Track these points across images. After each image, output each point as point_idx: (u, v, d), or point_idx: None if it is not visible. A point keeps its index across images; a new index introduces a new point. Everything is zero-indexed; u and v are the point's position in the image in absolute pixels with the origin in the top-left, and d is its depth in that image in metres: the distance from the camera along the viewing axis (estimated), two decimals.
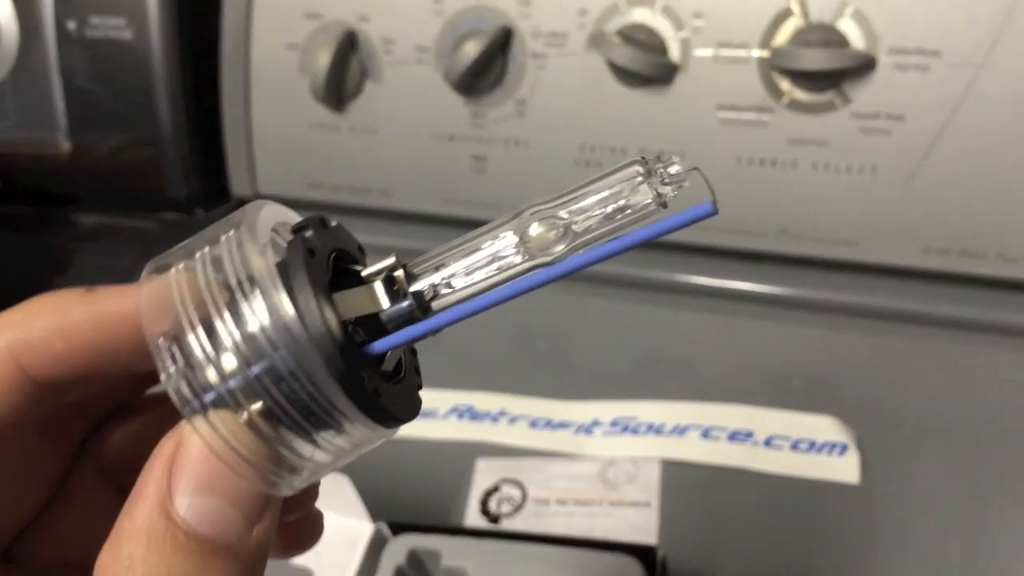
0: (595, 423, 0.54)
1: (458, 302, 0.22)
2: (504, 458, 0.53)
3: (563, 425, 0.54)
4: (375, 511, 0.45)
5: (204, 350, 0.20)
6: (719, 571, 0.46)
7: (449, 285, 0.22)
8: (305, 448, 0.20)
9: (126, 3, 0.66)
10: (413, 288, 0.22)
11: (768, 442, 0.51)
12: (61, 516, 0.25)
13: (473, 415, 0.55)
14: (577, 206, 0.21)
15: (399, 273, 0.22)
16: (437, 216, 0.65)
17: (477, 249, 0.22)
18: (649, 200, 0.21)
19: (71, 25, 0.68)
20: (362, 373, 0.20)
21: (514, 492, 0.51)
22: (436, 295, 0.22)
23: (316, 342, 0.19)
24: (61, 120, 0.71)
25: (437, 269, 0.22)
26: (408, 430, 0.57)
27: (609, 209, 0.21)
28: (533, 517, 0.50)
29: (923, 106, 0.52)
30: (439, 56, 0.61)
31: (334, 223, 0.23)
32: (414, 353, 0.25)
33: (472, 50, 0.58)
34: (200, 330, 0.20)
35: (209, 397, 0.20)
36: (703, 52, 0.55)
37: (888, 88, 0.52)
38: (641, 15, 0.56)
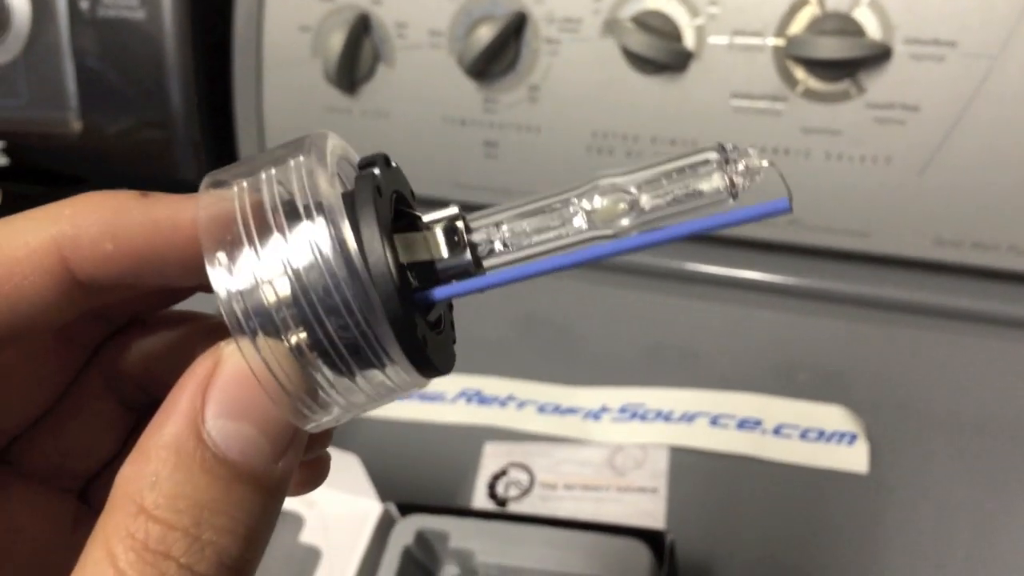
0: (603, 409, 0.54)
1: (514, 262, 0.22)
2: (512, 442, 0.53)
3: (571, 411, 0.54)
4: (384, 492, 0.45)
5: (262, 272, 0.19)
6: (726, 558, 0.46)
7: (507, 245, 0.22)
8: (343, 385, 0.20)
9: None
10: (472, 241, 0.22)
11: (777, 431, 0.51)
12: (62, 422, 0.24)
13: (482, 399, 0.55)
14: (648, 183, 0.21)
15: (460, 224, 0.22)
16: (448, 200, 0.65)
17: (540, 212, 0.22)
18: (722, 188, 0.20)
19: (83, 4, 0.68)
20: (415, 319, 0.20)
21: (522, 476, 0.51)
22: (492, 252, 0.22)
23: (377, 280, 0.19)
24: (72, 100, 0.71)
25: (497, 227, 0.22)
26: (417, 413, 0.57)
27: (680, 192, 0.21)
28: (540, 501, 0.50)
29: (938, 97, 0.52)
30: (452, 40, 0.61)
31: (395, 164, 0.23)
32: (451, 308, 0.24)
33: (486, 35, 0.58)
34: (260, 251, 0.19)
35: (259, 320, 0.19)
36: (718, 40, 0.55)
37: (903, 78, 0.52)
38: (656, 1, 0.56)
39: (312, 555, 0.43)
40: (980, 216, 0.53)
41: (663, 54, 0.55)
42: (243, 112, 0.68)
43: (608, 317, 0.60)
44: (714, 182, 0.20)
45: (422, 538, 0.43)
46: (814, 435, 0.51)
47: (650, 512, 0.49)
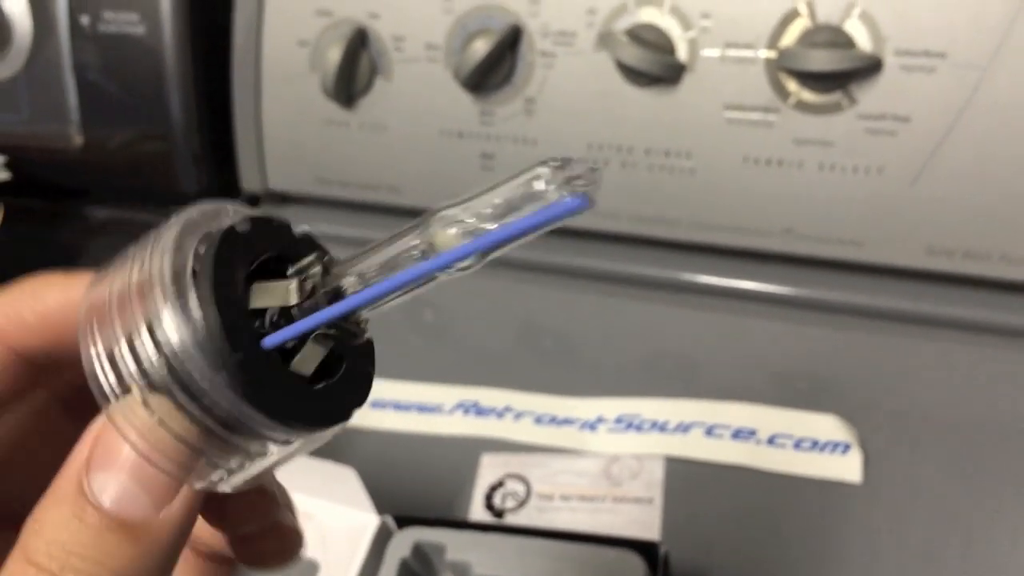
0: (599, 420, 0.54)
1: (354, 294, 0.22)
2: (509, 453, 0.53)
3: (568, 421, 0.54)
4: (380, 504, 0.45)
5: (117, 347, 0.20)
6: (721, 568, 0.47)
7: (360, 282, 0.22)
8: (215, 444, 0.21)
9: None
10: (326, 287, 0.22)
11: (771, 440, 0.51)
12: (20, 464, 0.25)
13: (478, 411, 0.56)
14: (484, 208, 0.21)
15: (316, 270, 0.22)
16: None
17: (386, 249, 0.22)
18: (554, 200, 0.20)
19: (84, 20, 0.68)
20: (261, 374, 0.20)
21: (518, 487, 0.51)
22: (342, 292, 0.22)
23: (204, 344, 0.20)
24: (73, 114, 0.71)
25: (352, 268, 0.22)
26: (414, 424, 0.58)
27: (514, 210, 0.20)
28: (537, 512, 0.50)
29: (929, 107, 0.52)
30: (449, 54, 0.61)
31: (299, 229, 0.23)
32: (368, 350, 0.24)
33: (481, 48, 0.58)
34: (117, 327, 0.20)
35: (118, 390, 0.20)
36: (711, 52, 0.56)
37: (894, 89, 0.53)
38: (649, 15, 0.56)
39: (310, 568, 0.44)
40: (972, 225, 0.54)
41: (656, 67, 0.56)
42: (242, 125, 0.69)
43: (604, 327, 0.61)
44: (549, 196, 0.20)
45: (419, 550, 0.44)
46: (808, 445, 0.51)
47: (646, 522, 0.49)
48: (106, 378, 0.21)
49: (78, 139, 0.72)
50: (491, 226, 0.20)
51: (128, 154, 0.72)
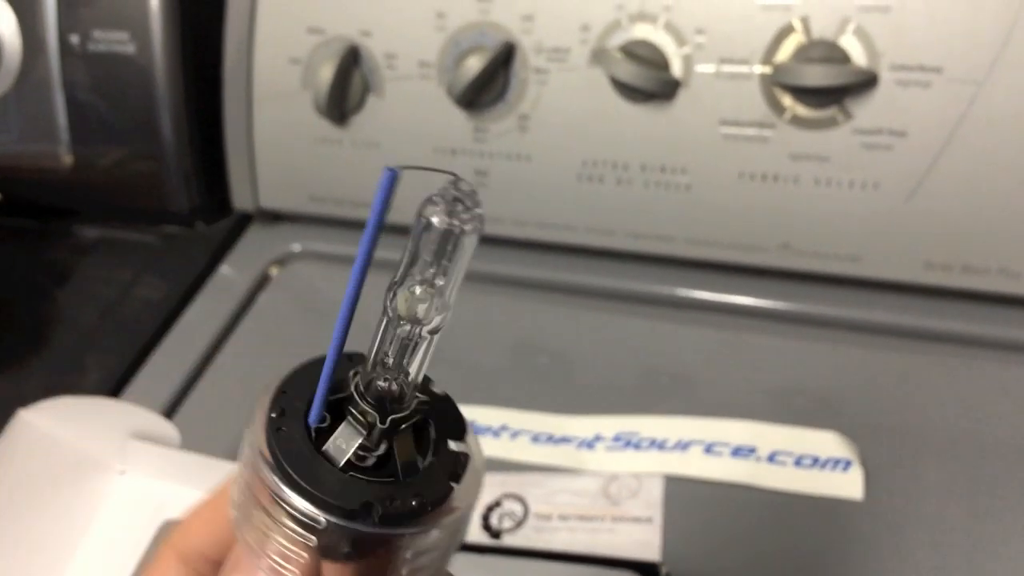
0: (597, 438, 0.54)
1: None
2: (505, 473, 0.53)
3: (565, 440, 0.54)
4: None
5: (266, 540, 0.23)
6: None
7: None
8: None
9: (129, 17, 0.66)
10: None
11: (771, 458, 0.51)
12: None
13: (475, 429, 0.55)
14: (417, 268, 0.23)
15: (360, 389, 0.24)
16: None
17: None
18: (447, 225, 0.22)
19: (74, 39, 0.68)
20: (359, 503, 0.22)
21: (516, 507, 0.51)
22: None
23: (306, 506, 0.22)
24: (63, 134, 0.71)
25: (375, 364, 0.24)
26: None
27: (434, 253, 0.23)
28: (535, 532, 0.49)
29: (925, 122, 0.52)
30: (442, 71, 0.61)
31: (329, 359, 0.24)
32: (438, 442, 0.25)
33: (475, 65, 0.58)
34: (256, 524, 0.23)
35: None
36: (705, 68, 0.55)
37: (890, 104, 0.52)
38: (643, 31, 0.56)
39: None
40: (969, 240, 0.54)
41: (651, 83, 0.55)
42: (234, 144, 0.68)
43: (601, 344, 0.60)
44: (443, 224, 0.22)
45: None
46: (808, 462, 0.50)
47: (645, 542, 0.48)
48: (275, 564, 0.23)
49: (68, 158, 0.71)
50: (430, 272, 0.23)
51: (118, 173, 0.71)
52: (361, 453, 0.23)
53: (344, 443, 0.23)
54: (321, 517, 0.22)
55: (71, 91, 0.69)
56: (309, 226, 0.71)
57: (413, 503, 0.22)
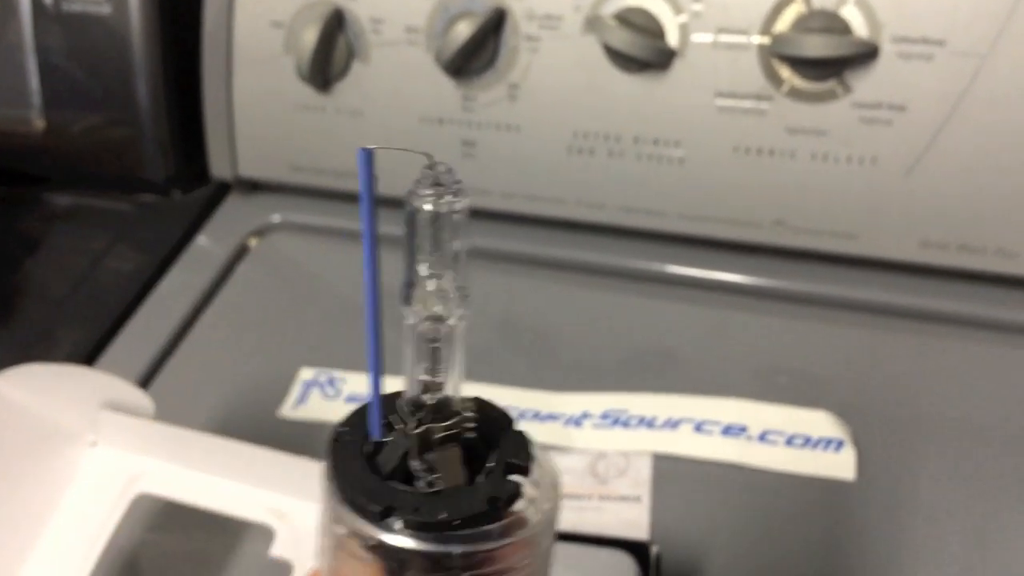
0: (585, 415, 0.52)
1: None
2: None
3: (552, 417, 0.53)
4: None
5: None
6: (711, 569, 0.45)
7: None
8: None
9: None
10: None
11: (762, 437, 0.50)
12: None
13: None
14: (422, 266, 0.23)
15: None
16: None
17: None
18: (433, 207, 0.22)
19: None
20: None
21: None
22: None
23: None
24: (35, 97, 0.68)
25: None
26: None
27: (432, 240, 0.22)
28: None
29: (926, 97, 0.51)
30: (430, 37, 0.59)
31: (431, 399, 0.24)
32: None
33: (464, 31, 0.56)
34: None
35: None
36: (702, 37, 0.54)
37: (890, 77, 0.51)
38: None
39: (283, 570, 0.42)
40: (967, 218, 0.53)
41: (646, 52, 0.54)
42: (212, 110, 0.66)
43: (589, 321, 0.59)
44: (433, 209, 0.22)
45: None
46: (800, 441, 0.49)
47: (633, 521, 0.47)
48: None
49: (40, 123, 0.69)
50: (428, 263, 0.23)
51: (92, 139, 0.69)
52: (419, 471, 0.23)
53: (389, 454, 0.23)
54: (346, 516, 0.22)
55: (44, 53, 0.67)
56: (289, 196, 0.69)
57: (439, 516, 0.21)
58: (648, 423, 0.51)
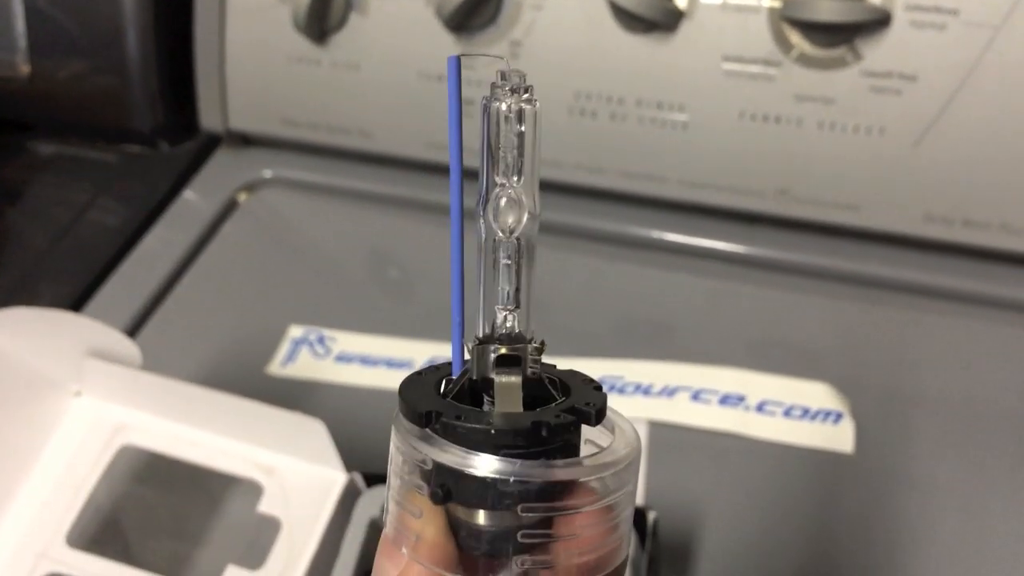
0: None
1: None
2: None
3: None
4: (349, 461, 0.42)
5: None
6: (706, 537, 0.44)
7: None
8: None
9: None
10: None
11: (760, 407, 0.49)
12: None
13: None
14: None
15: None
16: (419, 161, 0.62)
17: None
18: (514, 107, 0.24)
19: None
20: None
21: None
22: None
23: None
24: (20, 41, 0.66)
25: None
26: (385, 380, 0.54)
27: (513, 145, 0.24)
28: None
29: (937, 67, 0.50)
30: None
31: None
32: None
33: None
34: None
35: None
36: None
37: (902, 46, 0.50)
38: None
39: (271, 526, 0.41)
40: (973, 192, 0.52)
41: (653, 11, 0.53)
42: (203, 60, 0.64)
43: (587, 287, 0.58)
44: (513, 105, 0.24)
45: None
46: (798, 413, 0.49)
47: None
48: None
49: (25, 69, 0.67)
50: (506, 164, 0.24)
51: (78, 87, 0.67)
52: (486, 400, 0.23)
53: (457, 379, 0.23)
54: (402, 433, 0.22)
55: None
56: (281, 151, 0.67)
57: (480, 423, 0.21)
58: (645, 390, 0.50)
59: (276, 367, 0.54)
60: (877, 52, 0.51)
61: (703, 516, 0.45)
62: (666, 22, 0.53)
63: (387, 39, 0.59)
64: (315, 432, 0.41)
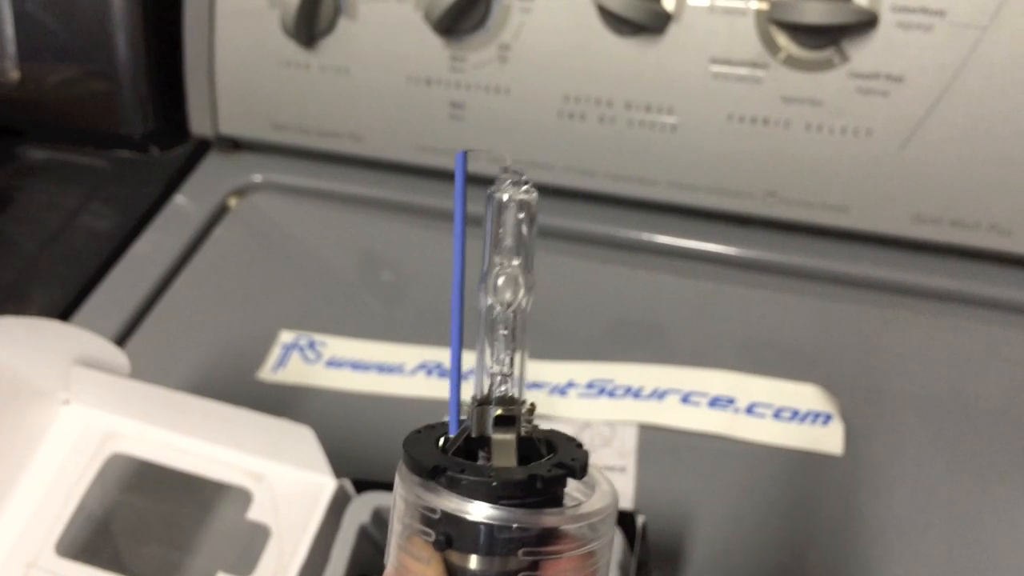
0: (570, 384, 0.51)
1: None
2: None
3: (536, 385, 0.52)
4: (339, 467, 0.42)
5: None
6: (696, 541, 0.44)
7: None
8: None
9: None
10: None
11: (750, 409, 0.49)
12: None
13: (442, 372, 0.52)
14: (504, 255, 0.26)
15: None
16: (410, 165, 0.62)
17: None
18: (514, 196, 0.26)
19: None
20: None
21: (484, 453, 0.48)
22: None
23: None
24: (10, 47, 0.66)
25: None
26: (375, 385, 0.54)
27: (513, 233, 0.26)
28: None
29: (924, 68, 0.50)
30: None
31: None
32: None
33: None
34: None
35: None
36: (698, 1, 0.53)
37: (889, 47, 0.50)
38: None
39: (261, 533, 0.41)
40: (961, 193, 0.52)
41: (641, 14, 0.53)
42: (193, 65, 0.64)
43: (576, 290, 0.58)
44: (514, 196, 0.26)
45: (380, 517, 0.41)
46: (788, 415, 0.49)
47: (618, 491, 0.47)
48: None
49: (14, 73, 0.67)
50: (507, 245, 0.26)
51: (68, 91, 0.67)
52: (482, 456, 0.25)
53: (456, 437, 0.26)
54: (407, 481, 0.24)
55: (20, 1, 0.65)
56: (271, 155, 0.67)
57: (481, 476, 0.23)
58: (634, 393, 0.51)
59: (267, 372, 0.54)
60: (864, 54, 0.51)
61: (692, 519, 0.45)
62: (654, 25, 0.53)
63: (376, 43, 0.59)
64: (304, 439, 0.41)
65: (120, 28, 0.64)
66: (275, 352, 0.55)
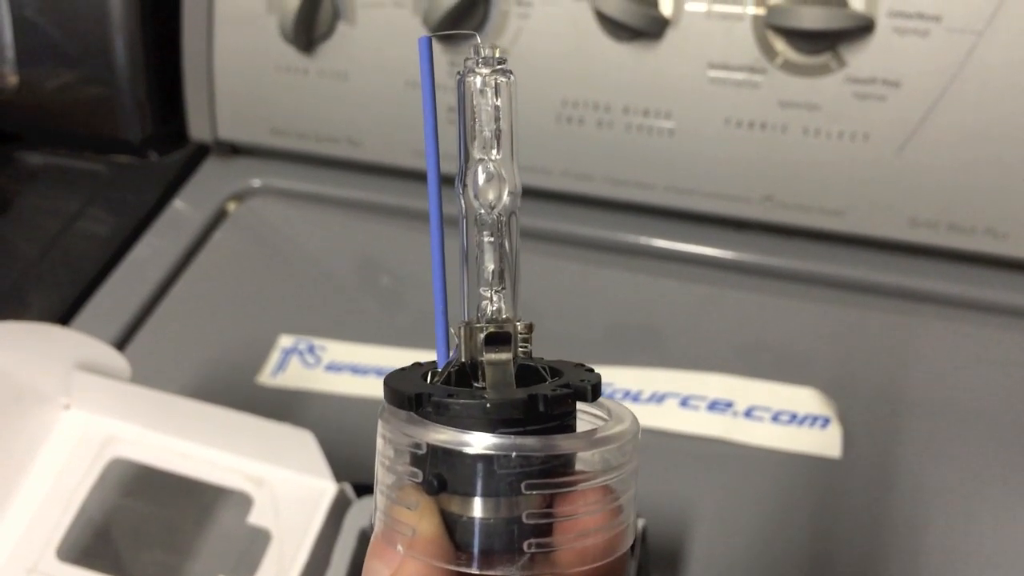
0: None
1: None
2: None
3: None
4: (338, 471, 0.42)
5: None
6: (695, 542, 0.45)
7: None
8: None
9: None
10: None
11: (748, 413, 0.49)
12: None
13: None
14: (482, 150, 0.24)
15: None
16: (408, 169, 0.62)
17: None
18: (486, 83, 0.23)
19: None
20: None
21: None
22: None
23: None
24: (8, 52, 0.66)
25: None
26: (374, 389, 0.54)
27: (489, 123, 0.24)
28: None
29: (920, 73, 0.50)
30: None
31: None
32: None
33: None
34: None
35: None
36: (696, 6, 0.53)
37: (886, 53, 0.51)
38: None
39: (261, 537, 0.41)
40: (958, 197, 0.52)
41: (639, 20, 0.53)
42: (192, 70, 0.65)
43: (575, 294, 0.58)
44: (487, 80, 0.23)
45: None
46: (786, 418, 0.49)
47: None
48: None
49: (13, 79, 0.67)
50: (483, 140, 0.24)
51: (67, 96, 0.67)
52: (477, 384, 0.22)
53: (446, 367, 0.23)
54: (391, 421, 0.21)
55: (18, 8, 0.65)
56: (270, 160, 0.67)
57: (472, 398, 0.20)
58: (633, 397, 0.51)
59: (266, 377, 0.54)
60: (861, 59, 0.51)
61: (692, 522, 0.45)
62: (652, 30, 0.53)
63: (374, 48, 0.60)
64: (304, 443, 0.41)
65: (119, 33, 0.64)
66: (274, 356, 0.55)
